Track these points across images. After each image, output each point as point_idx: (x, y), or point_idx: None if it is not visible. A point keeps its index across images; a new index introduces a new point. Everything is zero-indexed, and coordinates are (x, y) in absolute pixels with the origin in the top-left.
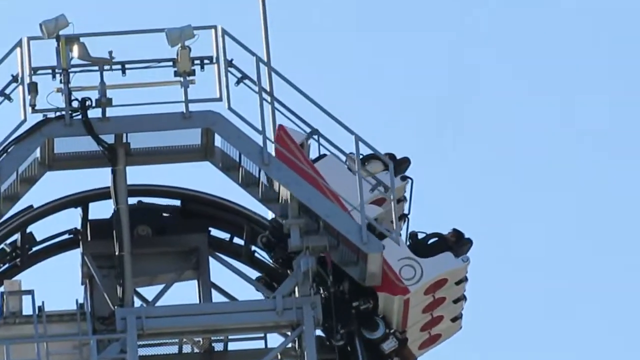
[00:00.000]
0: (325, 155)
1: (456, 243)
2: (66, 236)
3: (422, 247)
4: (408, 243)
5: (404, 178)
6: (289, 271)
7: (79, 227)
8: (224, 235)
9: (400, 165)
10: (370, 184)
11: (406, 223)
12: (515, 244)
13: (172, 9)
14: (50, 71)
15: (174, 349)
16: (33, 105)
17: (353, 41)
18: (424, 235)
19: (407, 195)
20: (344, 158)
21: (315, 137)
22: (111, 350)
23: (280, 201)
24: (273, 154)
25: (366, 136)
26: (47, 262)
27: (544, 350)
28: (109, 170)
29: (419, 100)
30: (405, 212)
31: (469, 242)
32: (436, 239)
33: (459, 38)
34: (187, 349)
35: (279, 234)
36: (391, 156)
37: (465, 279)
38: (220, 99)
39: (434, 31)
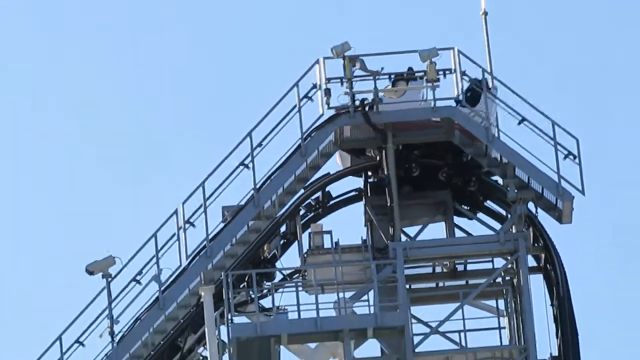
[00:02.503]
0: None
1: None
2: (353, 193)
3: None
4: None
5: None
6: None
7: (361, 187)
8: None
9: None
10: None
11: None
12: None
13: (419, 34)
14: (339, 80)
15: (429, 270)
16: (328, 104)
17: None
18: None
19: None
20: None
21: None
22: (385, 271)
23: (500, 166)
24: (496, 134)
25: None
26: (340, 212)
27: None
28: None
29: None
30: None
31: None
32: None
33: None
34: (438, 269)
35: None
36: None
37: None
38: (458, 98)
39: None
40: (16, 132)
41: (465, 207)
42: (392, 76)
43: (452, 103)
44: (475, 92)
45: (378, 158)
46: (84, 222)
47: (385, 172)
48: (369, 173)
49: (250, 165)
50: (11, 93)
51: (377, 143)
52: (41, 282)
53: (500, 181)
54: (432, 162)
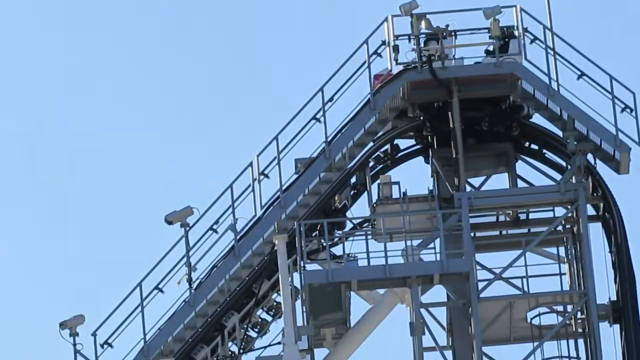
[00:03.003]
0: None
1: None
2: (419, 146)
3: None
4: None
5: None
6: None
7: (428, 140)
8: (525, 143)
9: None
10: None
11: None
12: None
13: None
14: (406, 37)
15: (492, 218)
16: (396, 60)
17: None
18: None
19: None
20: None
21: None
22: (451, 220)
23: (561, 119)
24: (555, 87)
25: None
26: (407, 163)
27: None
28: None
29: None
30: None
31: None
32: None
33: None
34: (501, 218)
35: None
36: None
37: None
38: (519, 53)
39: None
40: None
41: (527, 157)
42: (456, 33)
43: (516, 59)
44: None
45: (421, 118)
46: (163, 174)
47: (451, 124)
48: (411, 134)
49: (322, 119)
50: None
51: (442, 97)
52: (122, 231)
53: (560, 133)
54: (473, 115)
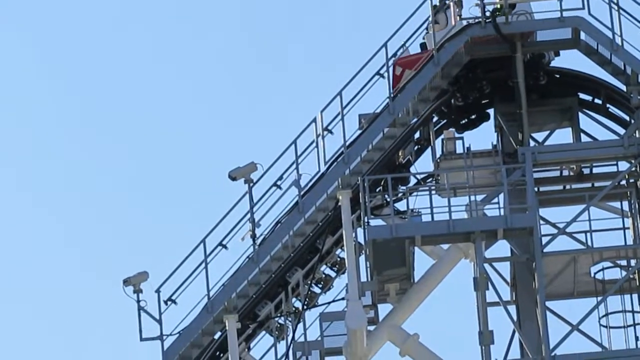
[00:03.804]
0: None
1: None
2: (485, 101)
3: None
4: None
5: None
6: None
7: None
8: (589, 97)
9: None
10: None
11: None
12: None
13: None
14: None
15: (556, 173)
16: (460, 16)
17: None
18: None
19: None
20: None
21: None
22: (515, 175)
23: (624, 74)
24: (620, 43)
25: None
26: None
27: None
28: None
29: None
30: None
31: None
32: None
33: None
34: (565, 172)
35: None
36: None
37: None
38: (583, 8)
39: None
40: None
41: (591, 111)
42: None
43: (578, 13)
44: None
45: (451, 89)
46: (227, 129)
47: (515, 79)
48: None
49: (386, 74)
50: None
51: (505, 52)
52: (186, 187)
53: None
54: (498, 74)
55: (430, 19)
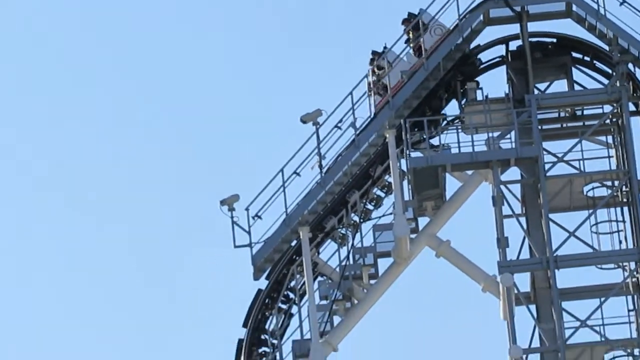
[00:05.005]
0: None
1: None
2: (498, 59)
3: None
4: None
5: None
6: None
7: (503, 54)
8: (580, 56)
9: None
10: None
11: None
12: None
13: None
14: None
15: (555, 114)
16: None
17: None
18: None
19: None
20: None
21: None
22: (523, 116)
23: (607, 37)
24: (604, 13)
25: None
26: (488, 73)
27: None
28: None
29: None
30: None
31: None
32: None
33: None
34: (562, 114)
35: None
36: None
37: None
38: None
39: None
40: None
41: (581, 67)
42: None
43: None
44: None
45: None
46: (297, 80)
47: (521, 42)
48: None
49: (416, 42)
50: None
51: (515, 21)
52: (268, 128)
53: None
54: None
55: None
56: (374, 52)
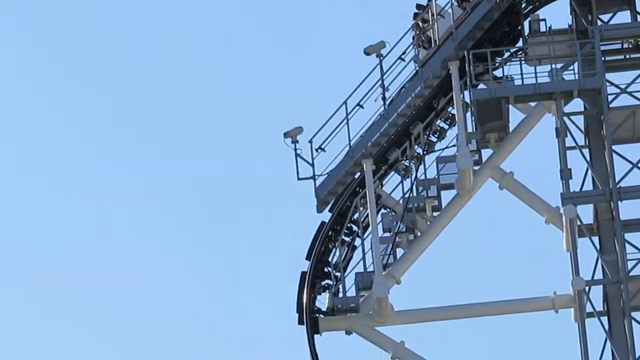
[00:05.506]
0: None
1: None
2: None
3: None
4: None
5: None
6: None
7: None
8: None
9: None
10: None
11: None
12: None
13: None
14: None
15: (618, 46)
16: None
17: None
18: None
19: None
20: None
21: None
22: (586, 48)
23: None
24: None
25: None
26: (551, 5)
27: None
28: None
29: None
30: None
31: None
32: None
33: None
34: (625, 45)
35: None
36: None
37: None
38: None
39: None
40: None
41: None
42: None
43: None
44: None
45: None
46: (361, 16)
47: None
48: None
49: None
50: None
51: None
52: (332, 60)
53: None
54: None
55: None
56: (418, 6)
